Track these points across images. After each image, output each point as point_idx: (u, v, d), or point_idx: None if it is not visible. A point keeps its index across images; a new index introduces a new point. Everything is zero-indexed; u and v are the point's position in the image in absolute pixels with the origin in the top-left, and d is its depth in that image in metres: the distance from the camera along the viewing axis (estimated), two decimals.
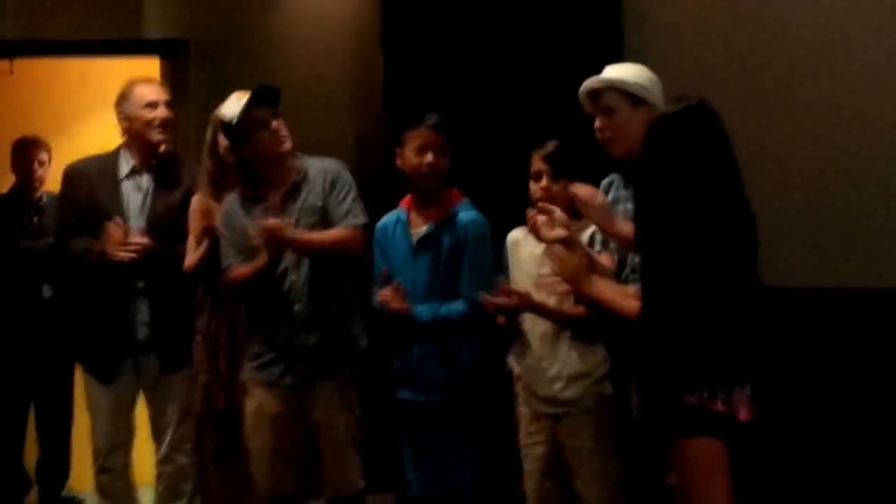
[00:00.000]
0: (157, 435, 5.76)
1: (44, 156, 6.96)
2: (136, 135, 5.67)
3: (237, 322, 5.49)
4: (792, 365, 4.72)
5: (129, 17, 6.94)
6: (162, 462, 5.74)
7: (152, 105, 5.64)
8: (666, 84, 4.66)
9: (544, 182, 4.81)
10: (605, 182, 4.74)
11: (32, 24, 6.82)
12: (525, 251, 4.92)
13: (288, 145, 5.18)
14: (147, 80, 5.78)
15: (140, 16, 6.94)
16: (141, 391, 5.75)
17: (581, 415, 4.80)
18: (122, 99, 5.70)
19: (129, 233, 5.51)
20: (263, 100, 5.15)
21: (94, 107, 7.17)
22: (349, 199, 5.20)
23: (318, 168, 5.23)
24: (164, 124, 5.66)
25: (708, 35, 5.78)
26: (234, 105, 5.16)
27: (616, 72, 4.57)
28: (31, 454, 7.28)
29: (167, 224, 5.59)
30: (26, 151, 7.06)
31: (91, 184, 5.63)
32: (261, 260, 5.09)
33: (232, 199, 5.28)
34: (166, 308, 5.61)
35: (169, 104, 5.69)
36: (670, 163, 3.84)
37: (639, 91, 4.49)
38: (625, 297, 4.12)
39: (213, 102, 5.70)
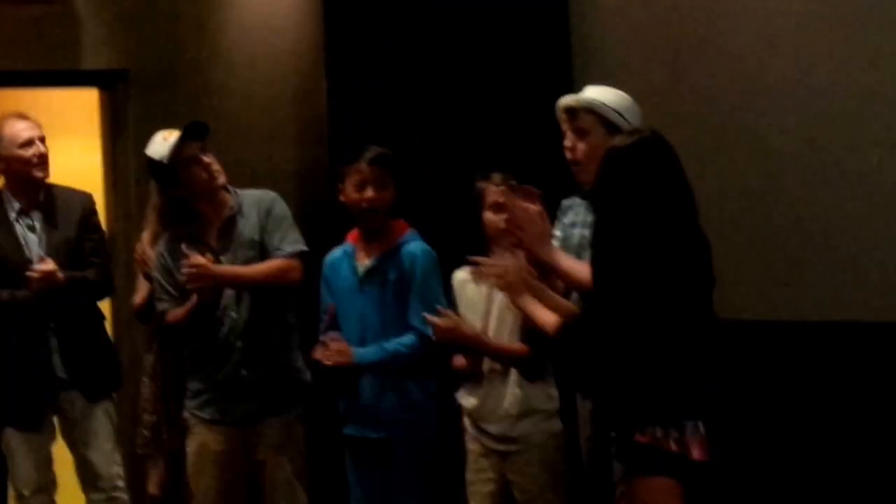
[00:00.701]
0: (87, 475, 5.65)
1: None
2: (16, 175, 5.57)
3: (183, 361, 5.41)
4: (746, 401, 4.70)
5: (68, 47, 6.84)
6: (103, 501, 5.63)
7: (28, 143, 5.53)
8: None
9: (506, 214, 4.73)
10: (564, 202, 4.67)
11: None
12: (471, 290, 4.86)
13: (222, 179, 5.10)
14: (17, 118, 5.63)
15: (79, 46, 6.84)
16: (61, 434, 5.65)
17: (530, 451, 4.76)
18: None
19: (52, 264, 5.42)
20: (193, 136, 5.06)
21: None
22: (283, 227, 5.11)
23: (252, 199, 5.15)
24: (43, 160, 5.55)
25: (655, 58, 5.77)
26: (160, 145, 5.05)
27: (597, 94, 4.48)
28: None
29: (65, 255, 5.51)
30: None
31: None
32: (193, 300, 5.00)
33: (164, 241, 5.20)
34: (81, 340, 5.55)
35: (42, 139, 5.58)
36: (623, 194, 3.83)
37: (616, 119, 4.40)
38: (548, 316, 4.11)
39: (153, 132, 5.62)
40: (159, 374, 5.56)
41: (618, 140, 4.00)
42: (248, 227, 5.09)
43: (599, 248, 3.88)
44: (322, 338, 4.97)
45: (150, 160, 5.09)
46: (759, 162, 5.25)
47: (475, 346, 4.77)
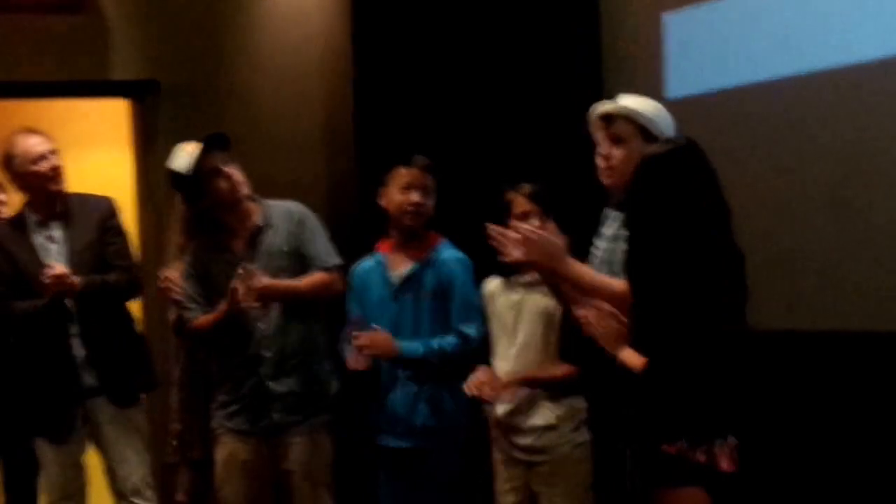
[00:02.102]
0: (115, 483, 5.64)
1: (2, 196, 6.85)
2: (33, 190, 5.59)
3: (211, 372, 5.42)
4: (776, 411, 4.68)
5: (98, 58, 6.87)
6: None
7: (41, 158, 5.53)
8: None
9: (535, 223, 4.71)
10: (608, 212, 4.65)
11: (1, 65, 6.75)
12: (500, 301, 4.85)
13: (245, 190, 5.12)
14: (27, 134, 5.62)
15: (109, 57, 6.88)
16: (92, 442, 5.65)
17: (556, 462, 4.73)
18: (9, 160, 5.57)
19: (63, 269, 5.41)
20: (215, 147, 5.08)
21: (63, 148, 7.06)
22: (322, 240, 5.15)
23: (282, 211, 5.16)
24: (57, 172, 5.57)
25: (689, 73, 5.75)
26: (183, 157, 5.08)
27: (634, 102, 4.44)
28: None
29: (89, 260, 5.51)
30: None
31: (5, 249, 5.55)
32: (222, 309, 5.02)
33: (191, 251, 5.21)
34: (108, 345, 5.54)
35: (54, 151, 5.58)
36: (657, 204, 3.78)
37: (653, 128, 4.36)
38: (633, 352, 3.91)
39: (183, 142, 5.65)
40: (186, 384, 5.57)
41: (652, 148, 3.96)
42: (277, 237, 5.10)
43: (633, 258, 3.85)
44: (352, 339, 4.94)
45: (174, 173, 5.11)
46: (791, 170, 5.23)
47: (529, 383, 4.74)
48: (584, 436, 4.74)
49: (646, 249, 3.79)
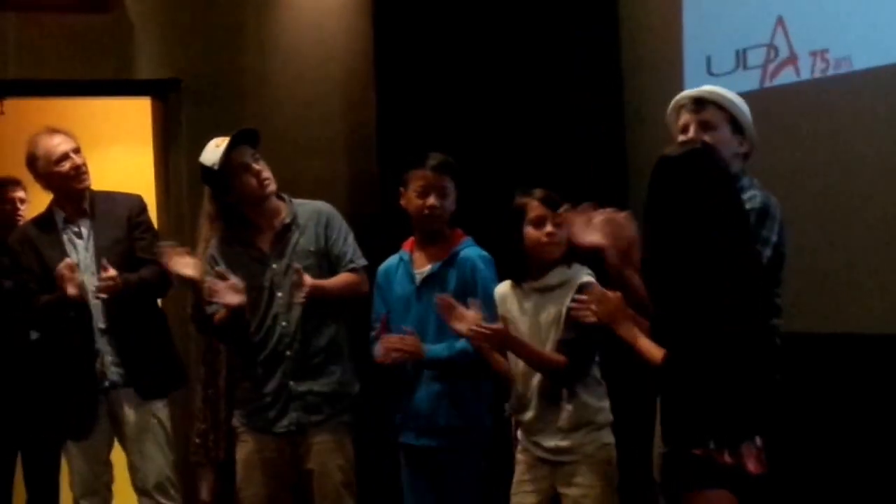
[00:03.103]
0: (137, 480, 5.66)
1: (22, 193, 6.87)
2: (59, 189, 5.63)
3: (231, 369, 5.44)
4: (805, 414, 4.67)
5: (121, 57, 6.89)
6: None
7: (63, 158, 5.57)
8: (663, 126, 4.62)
9: (549, 227, 4.72)
10: None
11: (24, 64, 6.77)
12: (513, 307, 4.84)
13: (272, 187, 5.13)
14: (49, 133, 5.64)
15: (132, 56, 6.89)
16: (116, 438, 5.67)
17: (581, 463, 4.70)
18: (32, 160, 5.61)
19: (76, 269, 5.44)
20: (244, 143, 5.09)
21: (86, 147, 7.08)
22: (350, 241, 5.17)
23: (309, 211, 5.18)
24: (79, 171, 5.60)
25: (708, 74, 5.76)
26: (213, 152, 5.08)
27: (730, 95, 4.43)
28: (19, 498, 7.19)
29: (115, 257, 5.53)
30: (4, 192, 6.98)
31: (36, 247, 5.59)
32: (224, 312, 5.04)
33: (214, 245, 5.22)
34: (134, 340, 5.57)
35: (77, 150, 5.61)
36: (672, 204, 3.78)
37: (742, 120, 4.37)
38: (653, 345, 3.97)
39: (205, 142, 5.66)
40: (209, 383, 5.59)
41: (668, 149, 3.97)
42: (304, 237, 5.12)
43: (649, 259, 3.86)
44: (387, 339, 4.96)
45: (203, 167, 5.12)
46: (827, 167, 5.23)
47: (513, 348, 4.74)
48: (609, 437, 4.73)
49: (660, 250, 3.80)
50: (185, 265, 5.22)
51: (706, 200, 3.77)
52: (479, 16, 6.25)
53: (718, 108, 4.36)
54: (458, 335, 4.78)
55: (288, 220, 5.14)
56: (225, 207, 5.17)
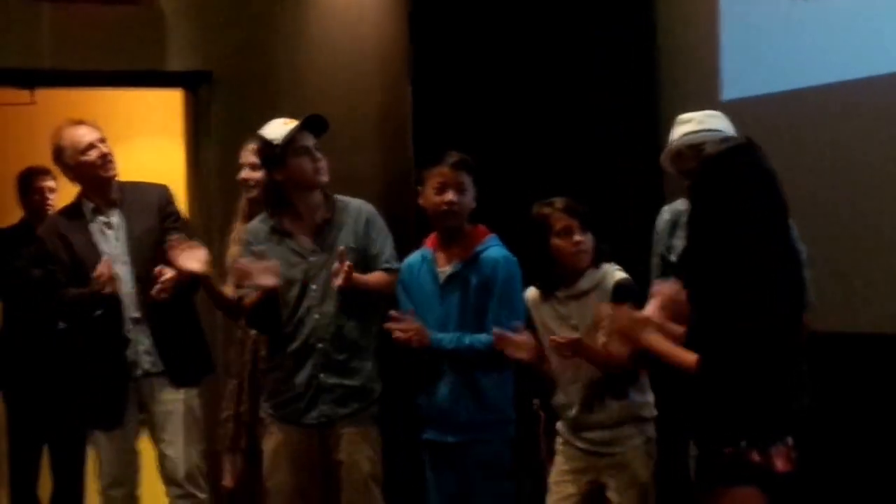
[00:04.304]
0: (166, 470, 5.65)
1: (52, 183, 6.89)
2: (87, 179, 5.62)
3: (256, 359, 5.44)
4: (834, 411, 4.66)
5: (153, 48, 6.90)
6: (181, 497, 5.63)
7: (90, 147, 5.56)
8: None
9: (577, 237, 4.72)
10: (669, 209, 4.64)
11: (55, 55, 6.79)
12: (546, 312, 4.84)
13: (325, 178, 5.15)
14: (74, 125, 5.63)
15: (164, 47, 6.90)
16: (146, 428, 5.68)
17: (626, 455, 4.72)
18: (59, 152, 5.60)
19: (111, 267, 5.44)
20: (310, 128, 5.12)
21: (116, 138, 7.10)
22: (388, 243, 5.20)
23: (352, 208, 5.20)
24: (106, 160, 5.59)
25: (742, 69, 5.74)
26: (278, 128, 5.11)
27: (716, 123, 4.43)
28: (45, 488, 7.22)
29: (147, 246, 5.54)
30: (33, 182, 7.01)
31: (65, 238, 5.58)
32: (257, 294, 5.05)
33: (255, 227, 5.23)
34: (169, 328, 5.56)
35: (103, 140, 5.61)
36: (714, 202, 3.77)
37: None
38: (681, 350, 3.95)
39: (236, 134, 5.70)
40: (237, 373, 5.59)
41: (710, 147, 3.97)
42: (343, 233, 5.14)
43: (690, 256, 3.85)
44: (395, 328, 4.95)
45: (264, 140, 5.13)
46: (846, 172, 5.21)
47: (587, 356, 4.72)
48: (652, 431, 4.76)
49: (701, 248, 3.79)
50: (190, 259, 5.28)
51: (739, 196, 3.76)
52: (515, 11, 6.24)
53: (718, 143, 4.36)
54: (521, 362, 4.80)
55: (328, 215, 5.15)
56: (272, 186, 5.17)
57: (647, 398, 4.77)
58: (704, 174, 3.86)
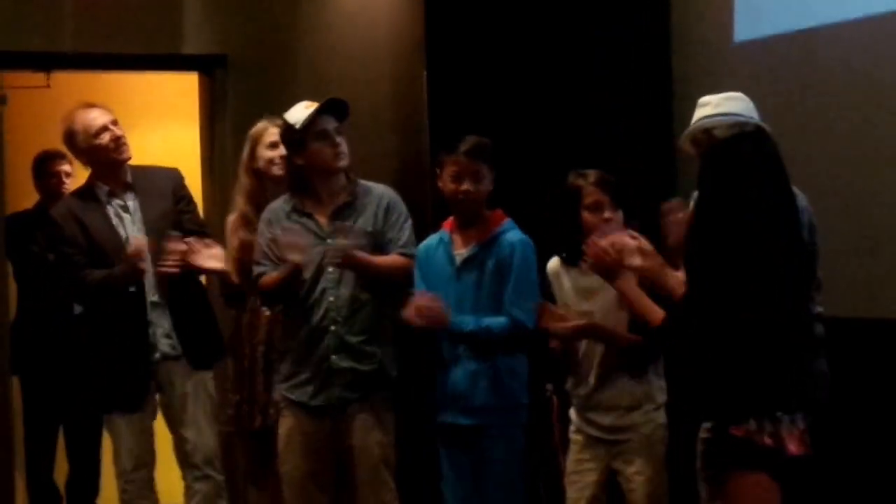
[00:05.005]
0: (182, 452, 5.68)
1: (68, 167, 6.89)
2: (101, 163, 5.62)
3: (273, 343, 5.44)
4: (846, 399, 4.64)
5: (169, 31, 6.89)
6: (199, 479, 5.65)
7: (102, 130, 5.56)
8: None
9: (607, 213, 4.70)
10: None
11: (72, 38, 6.78)
12: (568, 285, 4.83)
13: (345, 162, 5.14)
14: (85, 108, 5.64)
15: (179, 31, 6.89)
16: (161, 410, 5.68)
17: (638, 441, 4.74)
18: (71, 136, 5.61)
19: (142, 247, 5.45)
20: (332, 112, 5.12)
21: (131, 121, 7.10)
22: (406, 228, 5.18)
23: (373, 193, 5.20)
24: (119, 142, 5.59)
25: (756, 58, 5.71)
26: (300, 111, 5.12)
27: (733, 106, 4.41)
28: (61, 472, 7.24)
29: (164, 229, 5.56)
30: (49, 166, 7.01)
31: (80, 220, 5.58)
32: (285, 269, 5.03)
33: (277, 206, 5.23)
34: (187, 311, 5.59)
35: (115, 122, 5.61)
36: (720, 186, 3.76)
37: (761, 127, 4.35)
38: (651, 304, 4.09)
39: (251, 118, 5.69)
40: (244, 355, 5.59)
41: (718, 132, 3.96)
42: (363, 217, 5.13)
43: (694, 240, 3.83)
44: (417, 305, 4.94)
45: (286, 123, 5.14)
46: (863, 158, 5.18)
47: (597, 336, 4.71)
48: (663, 417, 4.77)
49: (706, 232, 3.77)
50: (209, 258, 5.37)
51: (748, 184, 3.74)
52: None
53: (728, 128, 4.34)
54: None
55: (349, 199, 5.15)
56: (294, 170, 5.17)
57: (662, 382, 4.77)
58: (711, 160, 3.85)
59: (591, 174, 4.78)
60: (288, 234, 5.03)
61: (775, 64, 5.48)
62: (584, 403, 4.81)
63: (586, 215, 4.74)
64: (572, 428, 4.87)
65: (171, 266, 5.43)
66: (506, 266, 4.99)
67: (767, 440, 3.67)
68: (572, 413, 4.87)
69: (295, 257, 4.99)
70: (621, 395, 4.73)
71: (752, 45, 5.66)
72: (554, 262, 4.92)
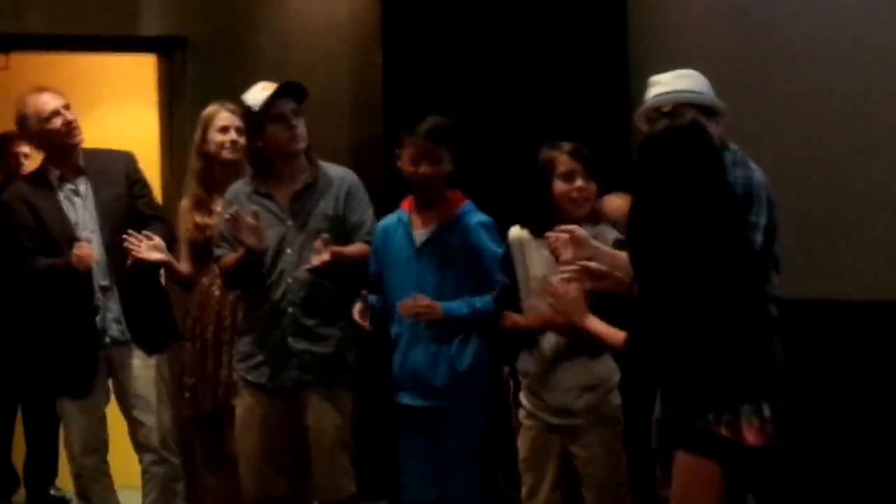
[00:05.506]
0: (137, 437, 5.68)
1: (26, 149, 6.85)
2: (52, 147, 5.61)
3: (223, 323, 5.45)
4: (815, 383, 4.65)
5: (128, 13, 6.86)
6: (155, 462, 5.65)
7: (54, 114, 5.55)
8: None
9: (579, 182, 4.68)
10: None
11: (28, 19, 6.74)
12: (534, 256, 4.79)
13: (302, 145, 5.15)
14: (37, 92, 5.62)
15: (138, 12, 6.86)
16: (114, 395, 5.67)
17: (593, 424, 4.69)
18: (24, 120, 5.59)
19: (91, 247, 5.45)
20: (288, 95, 5.12)
21: (89, 103, 7.10)
22: (369, 214, 5.21)
23: (334, 176, 5.21)
24: (70, 127, 5.58)
25: (712, 34, 5.73)
26: (258, 93, 5.13)
27: (684, 83, 4.42)
28: (18, 453, 7.21)
29: (117, 213, 5.57)
30: (8, 147, 6.99)
31: (31, 205, 5.57)
32: (241, 252, 5.05)
33: (239, 188, 5.24)
34: (136, 296, 5.58)
35: (67, 106, 5.59)
36: (656, 178, 3.76)
37: (713, 103, 4.36)
38: (615, 333, 4.21)
39: (210, 101, 5.68)
40: (198, 336, 5.60)
41: (652, 128, 3.97)
42: (324, 200, 5.15)
43: (635, 234, 3.83)
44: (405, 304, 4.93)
45: (244, 105, 5.16)
46: (824, 139, 5.20)
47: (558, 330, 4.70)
48: (618, 398, 4.72)
49: (646, 225, 3.76)
50: (151, 251, 5.40)
51: (695, 173, 3.73)
52: None
53: (685, 106, 4.35)
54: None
55: (310, 181, 5.15)
56: (254, 152, 5.19)
57: (611, 364, 4.71)
58: (649, 151, 3.83)
59: (565, 145, 4.72)
60: (247, 218, 5.03)
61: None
62: (538, 382, 4.78)
63: (559, 184, 4.66)
64: (523, 413, 4.82)
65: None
66: (473, 250, 4.98)
67: (724, 431, 3.67)
68: (523, 397, 4.84)
69: (251, 241, 4.99)
70: (579, 373, 4.69)
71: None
72: (517, 232, 4.82)
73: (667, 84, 4.40)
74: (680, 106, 4.31)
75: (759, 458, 3.71)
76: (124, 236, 5.42)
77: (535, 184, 4.70)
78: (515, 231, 4.84)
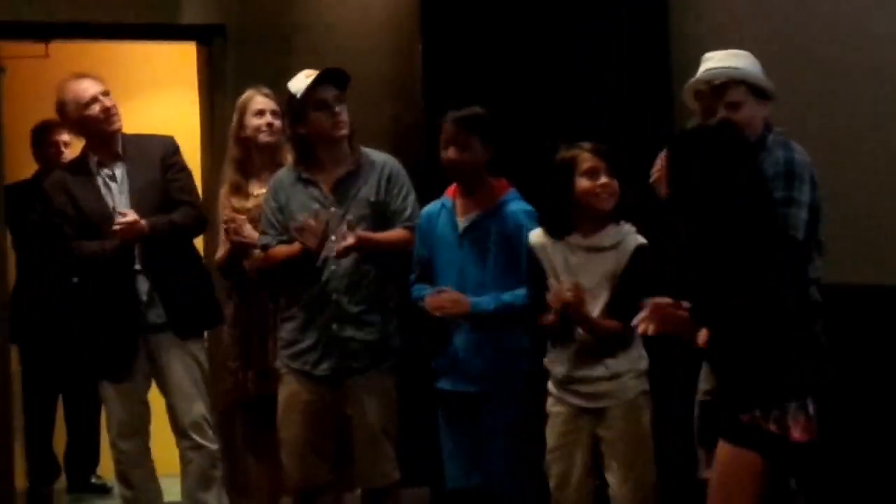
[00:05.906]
0: (175, 421, 5.69)
1: (66, 137, 6.89)
2: (91, 133, 5.64)
3: (265, 308, 5.45)
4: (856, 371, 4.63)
5: (167, 1, 6.87)
6: (191, 448, 5.66)
7: (92, 101, 5.57)
8: None
9: (604, 178, 4.70)
10: None
11: (70, 8, 6.76)
12: (556, 259, 4.80)
13: (344, 131, 5.17)
14: (76, 79, 5.65)
15: (177, 0, 6.87)
16: (154, 380, 5.69)
17: (621, 408, 4.71)
18: (63, 106, 5.62)
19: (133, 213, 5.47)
20: (330, 81, 5.14)
21: (130, 92, 7.14)
22: (410, 200, 5.21)
23: (376, 162, 5.22)
24: (109, 113, 5.60)
25: (755, 26, 5.70)
26: (301, 81, 5.15)
27: (738, 62, 4.42)
28: (60, 441, 7.26)
29: (151, 198, 5.58)
30: (48, 135, 7.02)
31: (70, 192, 5.60)
32: (296, 247, 5.06)
33: (283, 175, 5.25)
34: (172, 281, 5.59)
35: (106, 93, 5.62)
36: (690, 177, 3.77)
37: (763, 83, 4.35)
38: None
39: (249, 88, 5.67)
40: (238, 323, 5.60)
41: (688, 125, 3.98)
42: (366, 186, 5.16)
43: (682, 232, 3.83)
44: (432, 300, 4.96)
45: (288, 92, 5.17)
46: (868, 126, 5.17)
47: (578, 319, 4.72)
48: (645, 384, 4.75)
49: (692, 225, 3.77)
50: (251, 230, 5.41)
51: (729, 170, 3.74)
52: None
53: (739, 84, 4.35)
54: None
55: (352, 167, 5.16)
56: (297, 139, 5.20)
57: (643, 351, 4.76)
58: (683, 148, 3.84)
59: (587, 143, 4.77)
60: (310, 217, 5.04)
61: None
62: (563, 382, 4.79)
63: (582, 182, 4.71)
64: (551, 401, 4.83)
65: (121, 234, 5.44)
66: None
67: (772, 427, 3.69)
68: (551, 385, 4.84)
69: (311, 243, 5.00)
70: (600, 370, 4.72)
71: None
72: (538, 235, 4.86)
73: (720, 60, 4.42)
74: (731, 81, 4.33)
75: (804, 453, 3.72)
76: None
77: (554, 184, 4.72)
78: (536, 236, 4.86)
